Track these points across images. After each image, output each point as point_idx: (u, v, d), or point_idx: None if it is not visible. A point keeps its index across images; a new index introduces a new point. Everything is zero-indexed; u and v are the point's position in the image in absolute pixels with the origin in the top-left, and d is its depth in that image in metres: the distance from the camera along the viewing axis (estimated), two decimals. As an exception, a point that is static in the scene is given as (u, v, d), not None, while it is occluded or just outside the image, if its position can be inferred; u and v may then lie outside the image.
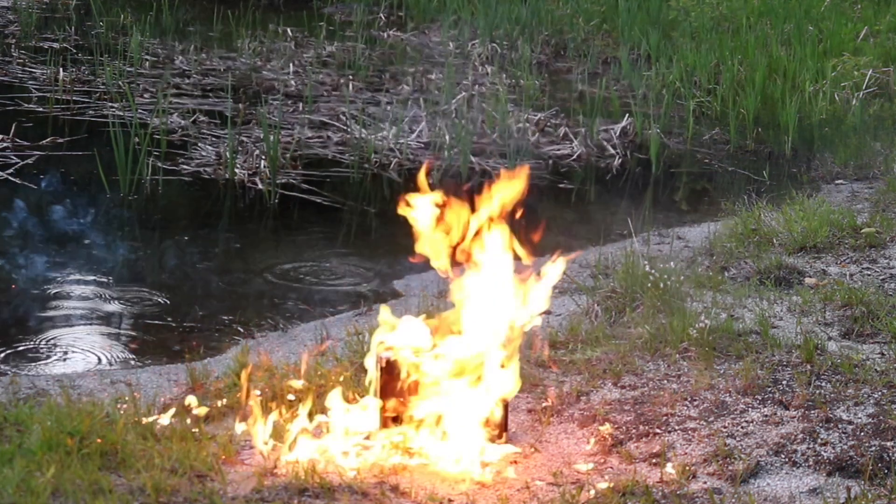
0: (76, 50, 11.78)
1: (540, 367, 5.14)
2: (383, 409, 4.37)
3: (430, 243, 4.53)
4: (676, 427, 4.54)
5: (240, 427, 4.31)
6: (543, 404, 4.77)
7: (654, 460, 4.32)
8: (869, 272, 6.56)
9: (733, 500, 4.02)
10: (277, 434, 4.25)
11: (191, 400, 4.52)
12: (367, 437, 4.32)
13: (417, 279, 6.57)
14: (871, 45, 12.33)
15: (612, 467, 4.29)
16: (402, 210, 4.52)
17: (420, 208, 4.51)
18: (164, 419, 4.34)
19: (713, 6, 13.83)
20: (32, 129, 9.14)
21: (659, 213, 8.43)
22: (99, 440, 4.03)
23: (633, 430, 4.53)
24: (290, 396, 4.52)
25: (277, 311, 6.22)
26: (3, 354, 5.47)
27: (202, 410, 4.45)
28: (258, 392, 4.54)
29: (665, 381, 4.98)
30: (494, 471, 4.22)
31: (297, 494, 3.90)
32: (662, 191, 9.17)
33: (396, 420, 4.38)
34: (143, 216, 7.83)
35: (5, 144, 8.67)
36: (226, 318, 6.11)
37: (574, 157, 9.59)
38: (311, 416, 4.41)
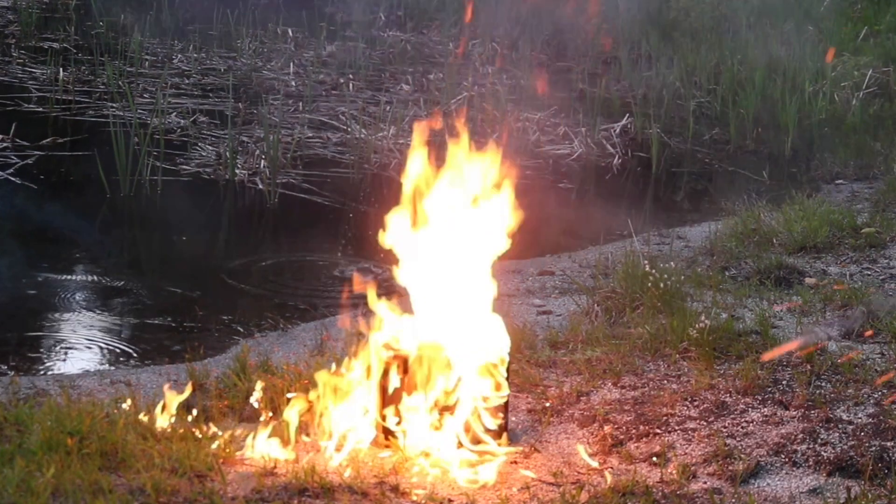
0: (76, 50, 11.77)
1: (540, 367, 5.14)
2: (382, 407, 4.37)
3: None
4: (676, 427, 4.54)
5: (240, 427, 4.31)
6: (543, 404, 4.77)
7: (654, 460, 4.32)
8: (869, 272, 6.56)
9: (733, 500, 4.02)
10: (277, 435, 4.25)
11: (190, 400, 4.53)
12: (367, 438, 4.33)
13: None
14: (870, 46, 12.33)
15: (612, 467, 4.29)
16: None
17: None
18: (164, 419, 4.34)
19: (713, 6, 13.83)
20: (32, 129, 9.14)
21: (659, 212, 8.44)
22: (99, 440, 4.02)
23: (633, 430, 4.53)
24: (290, 395, 4.52)
25: (277, 311, 6.22)
26: (3, 354, 5.47)
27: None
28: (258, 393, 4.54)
29: (665, 381, 4.98)
30: (494, 471, 4.22)
31: (297, 494, 3.90)
32: (663, 191, 9.17)
33: (393, 426, 4.38)
34: (143, 216, 7.83)
35: (5, 144, 8.67)
36: (226, 318, 6.11)
37: (574, 156, 9.59)
38: (311, 416, 4.42)
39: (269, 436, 4.25)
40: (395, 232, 4.55)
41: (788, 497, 4.07)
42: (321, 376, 4.44)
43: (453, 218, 4.55)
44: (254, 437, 4.23)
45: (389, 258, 4.76)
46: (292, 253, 7.24)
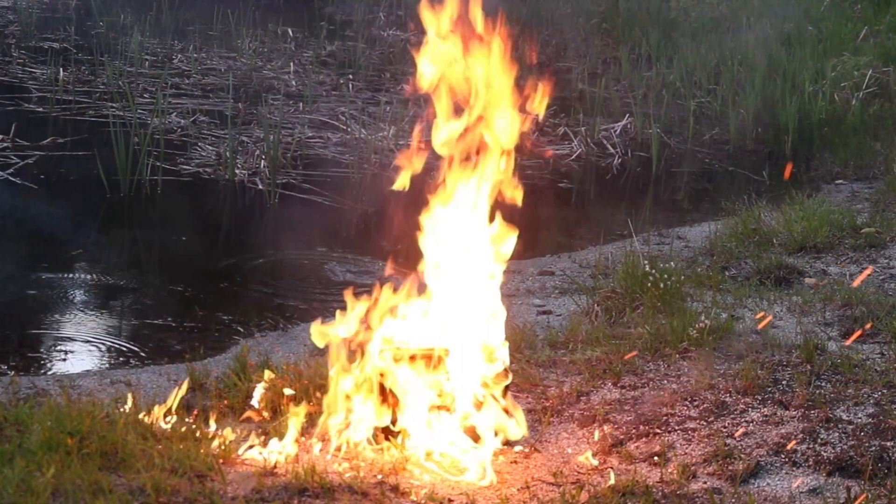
0: (76, 50, 11.77)
1: (540, 367, 5.14)
2: (382, 406, 4.37)
3: None
4: (676, 427, 4.54)
5: (240, 427, 4.31)
6: (543, 404, 4.77)
7: (654, 460, 4.32)
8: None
9: (733, 500, 4.02)
10: (278, 434, 4.25)
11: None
12: (368, 438, 4.33)
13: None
14: (870, 45, 12.33)
15: (612, 467, 4.29)
16: None
17: None
18: (164, 419, 4.34)
19: (713, 6, 13.83)
20: (32, 129, 9.14)
21: (659, 212, 8.43)
22: (99, 440, 4.02)
23: (633, 430, 4.53)
24: (289, 391, 4.52)
25: (277, 311, 6.22)
26: (3, 354, 5.47)
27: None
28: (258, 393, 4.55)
29: (665, 381, 4.97)
30: (494, 471, 4.22)
31: (297, 494, 3.90)
32: (663, 191, 9.17)
33: (392, 424, 4.38)
34: (143, 216, 7.83)
35: (5, 144, 8.68)
36: (226, 318, 6.11)
37: (574, 156, 9.59)
38: (311, 416, 4.42)
39: (270, 436, 4.25)
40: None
41: (788, 497, 4.07)
42: (322, 377, 4.44)
43: (458, 221, 4.56)
44: (254, 437, 4.23)
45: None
46: (292, 253, 7.24)
